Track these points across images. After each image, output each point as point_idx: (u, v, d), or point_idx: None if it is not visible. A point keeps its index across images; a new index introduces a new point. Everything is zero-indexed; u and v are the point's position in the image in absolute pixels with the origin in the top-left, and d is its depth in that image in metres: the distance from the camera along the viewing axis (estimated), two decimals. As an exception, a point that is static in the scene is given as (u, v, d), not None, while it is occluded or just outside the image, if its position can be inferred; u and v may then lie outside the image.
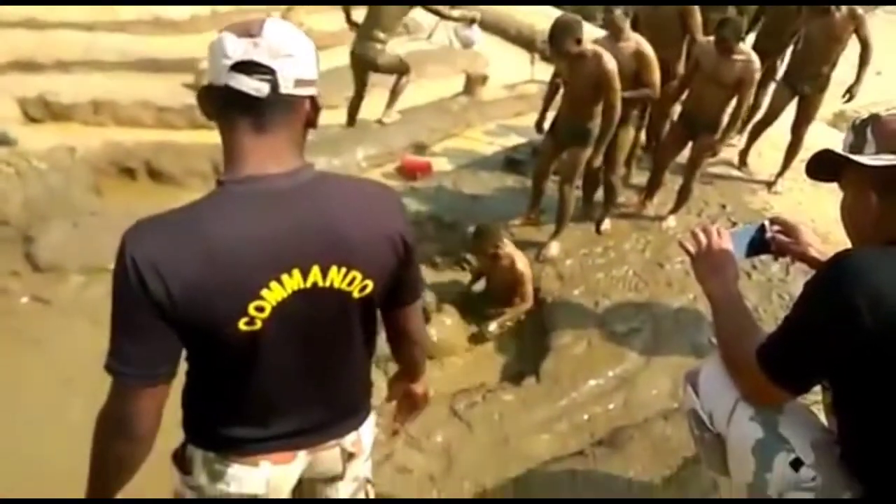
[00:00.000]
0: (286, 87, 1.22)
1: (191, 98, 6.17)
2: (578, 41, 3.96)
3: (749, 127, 5.99)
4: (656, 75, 4.34)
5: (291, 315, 1.26)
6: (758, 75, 4.47)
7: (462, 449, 3.18)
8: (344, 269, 1.29)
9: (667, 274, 4.52)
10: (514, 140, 6.23)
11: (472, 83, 6.85)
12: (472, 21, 6.68)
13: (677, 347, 3.87)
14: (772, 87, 5.70)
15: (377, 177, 5.78)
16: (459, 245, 4.83)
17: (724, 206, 5.30)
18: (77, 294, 3.95)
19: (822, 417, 1.44)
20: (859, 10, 4.98)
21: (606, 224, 4.83)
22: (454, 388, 3.73)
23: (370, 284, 1.34)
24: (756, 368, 1.29)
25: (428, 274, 4.68)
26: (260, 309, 1.23)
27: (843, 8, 4.91)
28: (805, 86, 5.31)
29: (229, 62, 1.19)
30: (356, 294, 1.33)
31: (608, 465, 2.77)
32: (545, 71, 5.29)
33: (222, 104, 1.25)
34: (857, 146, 1.30)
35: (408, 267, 1.43)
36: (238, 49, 1.19)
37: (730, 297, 1.54)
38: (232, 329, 1.22)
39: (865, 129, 1.30)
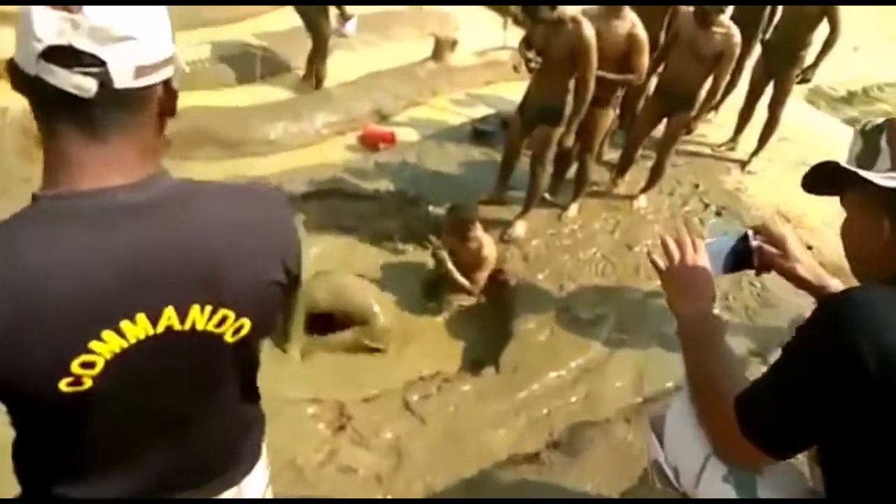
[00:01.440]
0: (123, 81, 0.91)
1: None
2: (553, 6, 3.70)
3: (724, 102, 5.81)
4: (645, 60, 4.06)
5: (135, 368, 0.98)
6: (738, 49, 4.24)
7: (413, 446, 2.99)
8: (210, 308, 1.01)
9: (635, 257, 4.34)
10: (483, 110, 5.97)
11: (441, 48, 6.51)
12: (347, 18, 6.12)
13: (643, 337, 3.71)
14: (748, 63, 5.48)
15: (338, 146, 5.49)
16: (421, 222, 4.59)
17: (696, 186, 5.13)
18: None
19: (805, 468, 1.26)
20: None
21: (573, 210, 4.61)
22: (411, 377, 3.54)
23: (246, 324, 1.06)
24: (733, 421, 1.08)
25: (388, 252, 4.46)
26: (88, 365, 0.94)
27: None
28: (781, 64, 5.10)
29: (40, 46, 0.87)
30: (229, 338, 1.06)
31: (565, 474, 2.60)
32: (518, 36, 5.00)
33: (36, 100, 0.94)
34: (866, 158, 1.08)
35: (285, 303, 1.16)
36: (49, 28, 0.86)
37: (705, 325, 1.31)
38: (49, 391, 0.93)
39: (878, 138, 1.07)
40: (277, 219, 1.11)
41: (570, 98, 3.95)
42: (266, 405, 1.38)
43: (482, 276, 4.07)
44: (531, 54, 3.87)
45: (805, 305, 4.07)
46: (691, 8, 4.22)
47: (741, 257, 1.48)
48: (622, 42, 3.96)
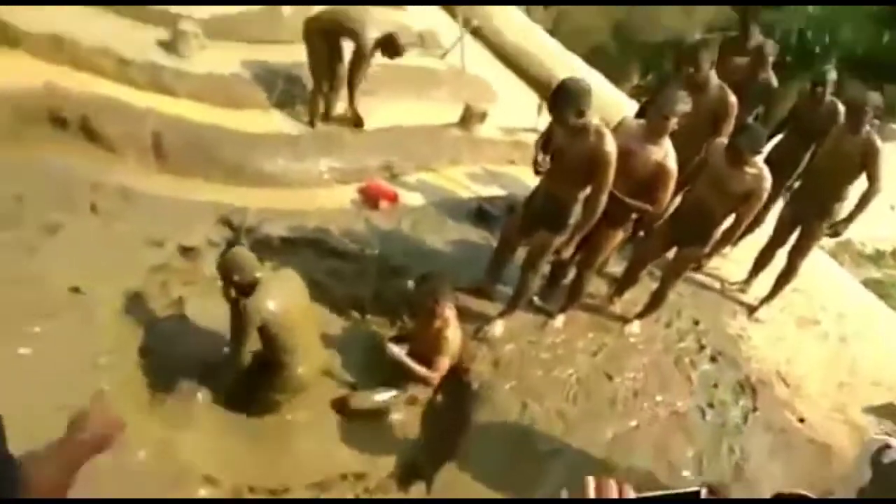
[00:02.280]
0: None
1: (159, 56, 5.61)
2: (580, 113, 3.38)
3: (744, 238, 5.53)
4: (668, 195, 3.76)
5: None
6: (766, 193, 3.94)
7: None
8: None
9: (614, 389, 3.98)
10: (495, 190, 5.69)
11: (470, 116, 6.30)
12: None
13: (599, 485, 3.33)
14: (777, 206, 5.19)
15: (336, 194, 5.23)
16: (397, 295, 4.27)
17: (696, 323, 4.77)
18: None
19: None
20: (878, 142, 4.43)
21: (558, 322, 4.29)
22: (332, 470, 3.18)
23: None
24: None
25: (351, 319, 4.14)
26: None
27: (863, 133, 4.38)
28: (810, 214, 4.78)
29: None
30: None
31: None
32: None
33: None
34: (874, 494, 0.73)
35: None
36: None
37: None
38: None
39: None
40: None
41: (577, 208, 3.65)
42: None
43: (442, 362, 3.66)
44: (541, 157, 3.60)
45: (783, 479, 3.70)
46: (724, 140, 3.95)
47: None
48: (650, 168, 3.66)
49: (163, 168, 4.78)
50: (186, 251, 3.99)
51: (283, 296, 3.23)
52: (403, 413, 3.70)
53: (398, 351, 3.65)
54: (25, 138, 4.41)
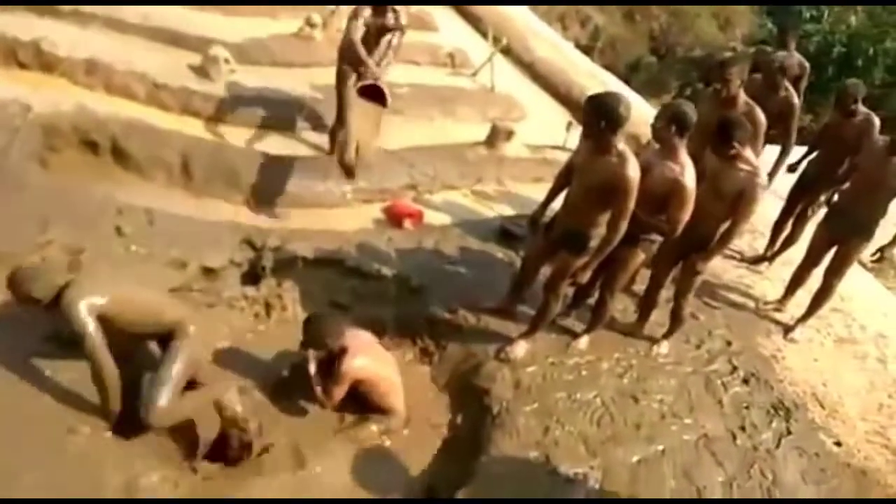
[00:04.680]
0: None
1: (190, 81, 5.70)
2: (611, 129, 3.31)
3: (780, 255, 5.38)
4: (684, 213, 3.58)
5: None
6: (761, 192, 3.74)
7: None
8: None
9: (639, 412, 3.86)
10: (521, 208, 5.62)
11: (496, 135, 6.27)
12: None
13: (623, 511, 3.23)
14: (811, 224, 5.02)
15: (362, 214, 5.24)
16: (417, 315, 4.24)
17: (728, 343, 4.60)
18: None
19: None
20: None
21: (582, 343, 4.19)
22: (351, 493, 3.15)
23: None
24: None
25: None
26: None
27: None
28: (846, 232, 4.60)
29: None
30: None
31: None
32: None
33: None
34: None
35: None
36: None
37: None
38: None
39: None
40: None
41: (598, 231, 3.56)
42: None
43: (338, 390, 3.47)
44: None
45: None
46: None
47: None
48: (667, 185, 3.54)
49: (189, 190, 4.85)
50: (208, 272, 4.01)
51: (99, 286, 2.88)
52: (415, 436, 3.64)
53: (312, 367, 3.48)
54: (55, 161, 4.52)
